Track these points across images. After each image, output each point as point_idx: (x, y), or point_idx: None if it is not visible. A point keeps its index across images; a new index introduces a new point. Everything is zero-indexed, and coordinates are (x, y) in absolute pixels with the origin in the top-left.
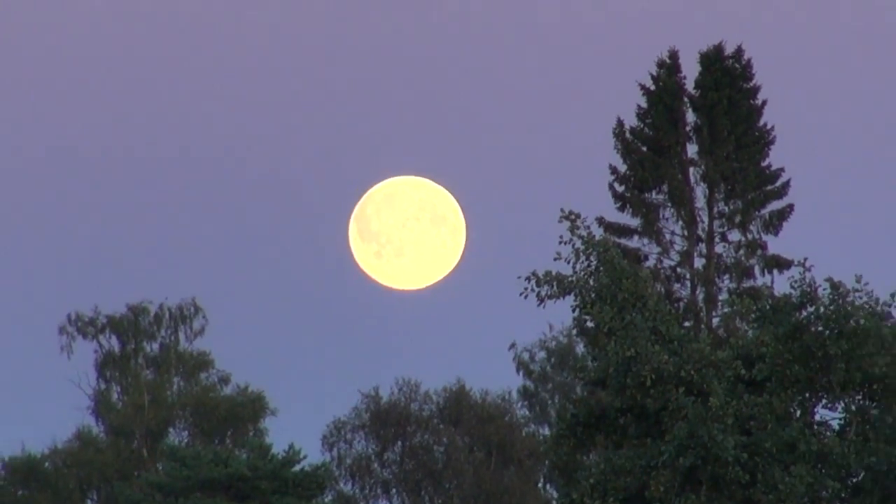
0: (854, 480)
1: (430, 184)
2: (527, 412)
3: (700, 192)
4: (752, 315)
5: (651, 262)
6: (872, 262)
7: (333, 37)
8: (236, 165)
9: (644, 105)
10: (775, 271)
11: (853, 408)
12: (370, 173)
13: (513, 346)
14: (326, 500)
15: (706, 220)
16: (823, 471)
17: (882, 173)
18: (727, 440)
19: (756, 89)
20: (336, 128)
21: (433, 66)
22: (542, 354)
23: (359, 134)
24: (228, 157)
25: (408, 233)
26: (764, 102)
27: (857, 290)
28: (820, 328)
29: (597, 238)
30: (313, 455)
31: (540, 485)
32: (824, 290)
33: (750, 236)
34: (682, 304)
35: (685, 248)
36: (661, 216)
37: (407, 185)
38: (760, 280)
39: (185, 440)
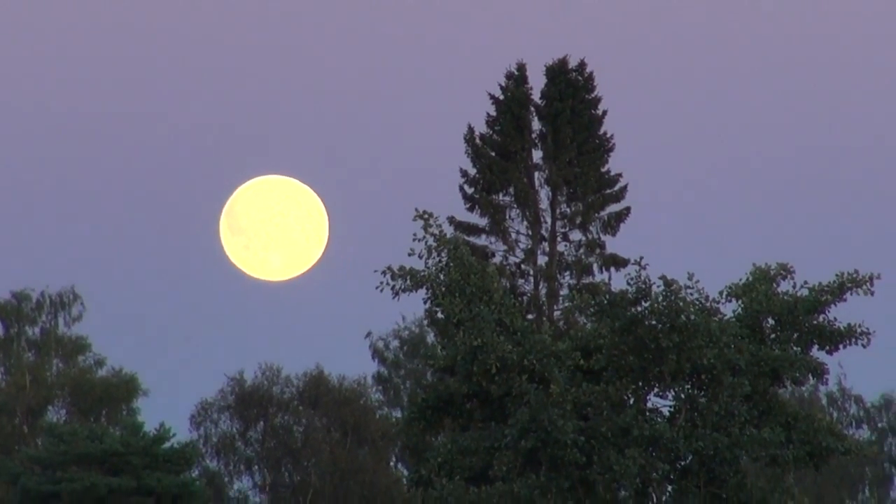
0: (682, 463)
1: (296, 183)
2: (381, 396)
3: (544, 194)
4: (591, 309)
5: (497, 259)
6: (703, 262)
7: (210, 39)
8: (116, 162)
9: (493, 113)
10: (613, 269)
11: (682, 396)
12: (240, 172)
13: (369, 334)
14: (193, 475)
15: (549, 220)
16: (654, 454)
17: (711, 180)
18: (566, 425)
19: (597, 100)
20: (209, 129)
21: (297, 75)
22: (395, 343)
23: (229, 135)
24: (108, 153)
25: (274, 228)
26: (604, 112)
27: (688, 288)
28: (653, 322)
29: (448, 236)
30: (182, 433)
31: (392, 463)
32: (658, 286)
33: (590, 236)
34: (525, 298)
35: (529, 246)
36: (507, 216)
37: (274, 184)
38: (599, 277)
39: (63, 418)
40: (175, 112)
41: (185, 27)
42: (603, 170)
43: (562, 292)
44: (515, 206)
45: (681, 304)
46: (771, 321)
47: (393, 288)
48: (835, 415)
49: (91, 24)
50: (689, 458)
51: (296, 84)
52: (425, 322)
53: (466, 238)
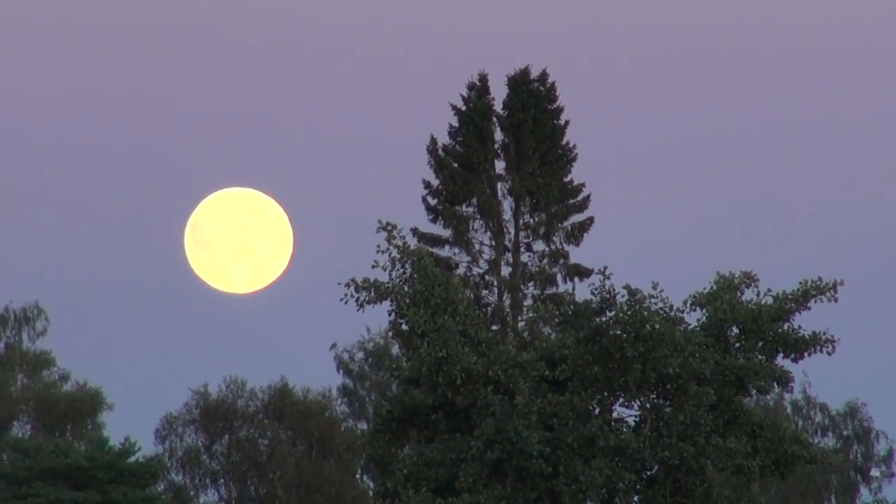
0: (648, 473)
1: (260, 195)
2: (346, 408)
3: (507, 205)
4: (555, 319)
5: (461, 270)
6: (666, 271)
7: (172, 50)
8: (79, 175)
9: (455, 124)
10: (577, 279)
11: (648, 406)
12: (204, 185)
13: (333, 346)
14: (159, 489)
15: (513, 231)
16: (620, 464)
17: (674, 189)
18: (531, 435)
19: (559, 110)
20: (172, 141)
21: (260, 86)
22: (360, 355)
23: (193, 148)
24: (72, 166)
25: (238, 241)
26: (566, 122)
27: (652, 297)
28: (618, 332)
29: (411, 247)
30: (147, 447)
31: (357, 476)
32: (622, 296)
33: (553, 246)
34: (490, 309)
35: (493, 257)
36: (470, 227)
37: (238, 196)
38: (563, 287)
39: (28, 433)
40: (138, 125)
41: (146, 38)
42: (566, 180)
43: (526, 303)
44: (479, 217)
45: (645, 313)
46: (735, 330)
47: (357, 300)
48: (800, 423)
49: (51, 34)
50: (655, 467)
51: (259, 96)
52: (390, 334)
53: (430, 249)
